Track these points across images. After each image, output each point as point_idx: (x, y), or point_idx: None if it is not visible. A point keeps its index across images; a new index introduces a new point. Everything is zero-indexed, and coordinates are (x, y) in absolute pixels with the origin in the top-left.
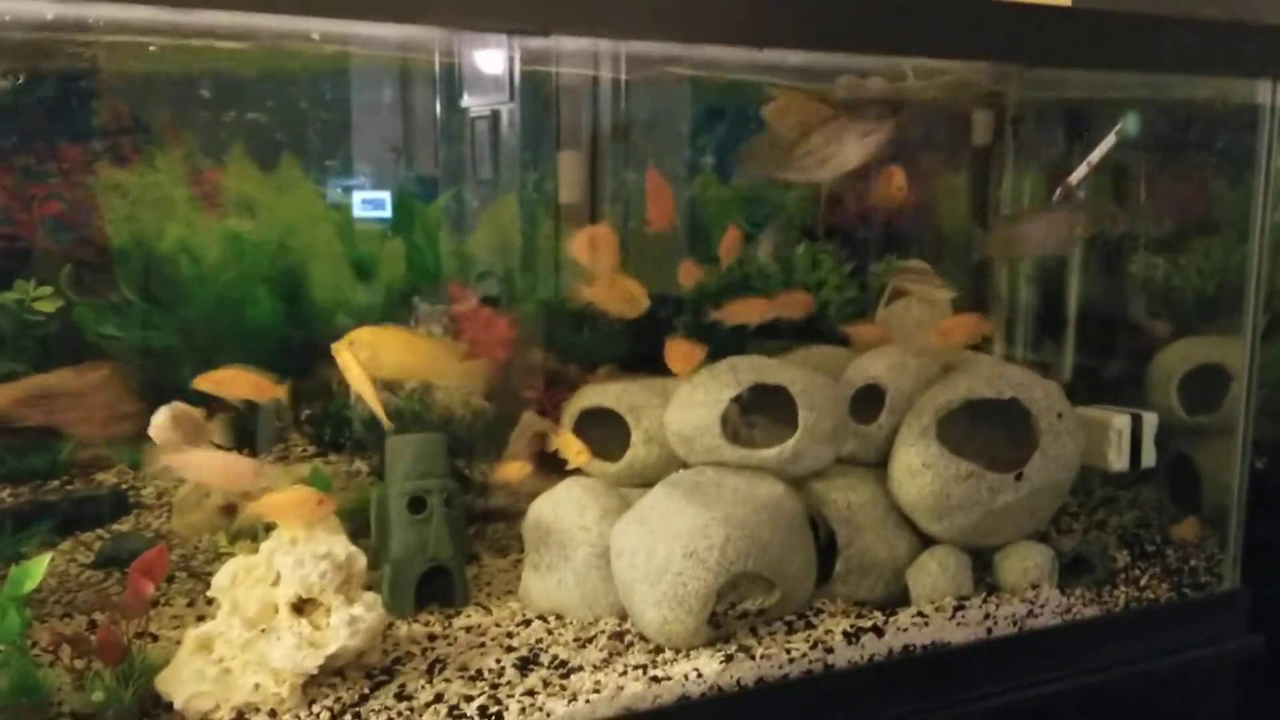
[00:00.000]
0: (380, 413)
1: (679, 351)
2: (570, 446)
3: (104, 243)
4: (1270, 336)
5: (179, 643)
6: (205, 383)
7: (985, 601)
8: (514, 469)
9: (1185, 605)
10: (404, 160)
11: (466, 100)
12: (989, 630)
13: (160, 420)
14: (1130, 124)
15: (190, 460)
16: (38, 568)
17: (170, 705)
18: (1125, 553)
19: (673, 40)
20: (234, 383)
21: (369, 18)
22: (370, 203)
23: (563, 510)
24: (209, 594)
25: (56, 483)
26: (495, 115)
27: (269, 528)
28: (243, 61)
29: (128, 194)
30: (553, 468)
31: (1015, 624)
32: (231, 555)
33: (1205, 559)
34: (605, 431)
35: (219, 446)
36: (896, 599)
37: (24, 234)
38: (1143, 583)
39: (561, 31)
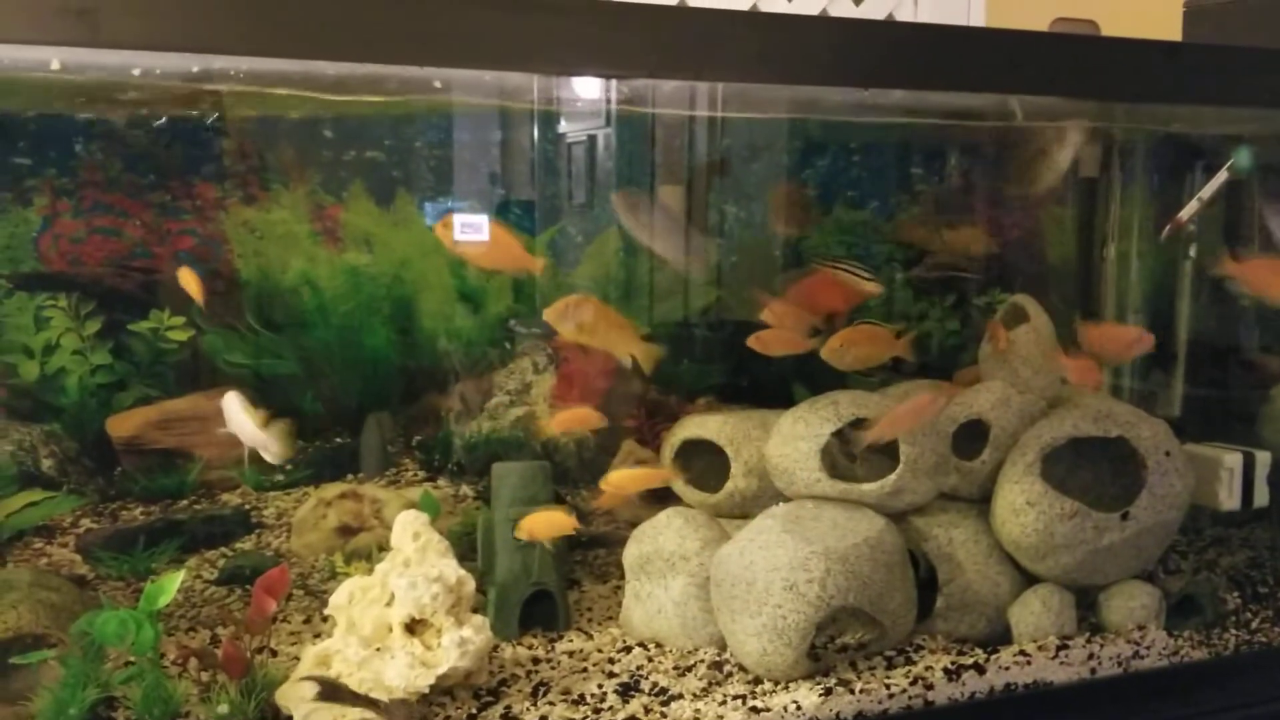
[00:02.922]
0: None
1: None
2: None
3: (232, 275)
4: None
5: (296, 658)
6: None
7: (1089, 641)
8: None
9: None
10: (502, 186)
11: (563, 126)
12: (1093, 670)
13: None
14: (1243, 158)
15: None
16: (171, 584)
17: (289, 719)
18: (1237, 594)
19: (777, 82)
20: None
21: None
22: (469, 226)
23: (663, 540)
24: (326, 612)
25: (184, 502)
26: (592, 140)
27: (383, 549)
28: (362, 105)
29: (255, 230)
30: (654, 497)
31: (1120, 665)
32: (346, 575)
33: None
34: (705, 463)
35: None
36: (998, 636)
37: (159, 267)
38: (1254, 625)
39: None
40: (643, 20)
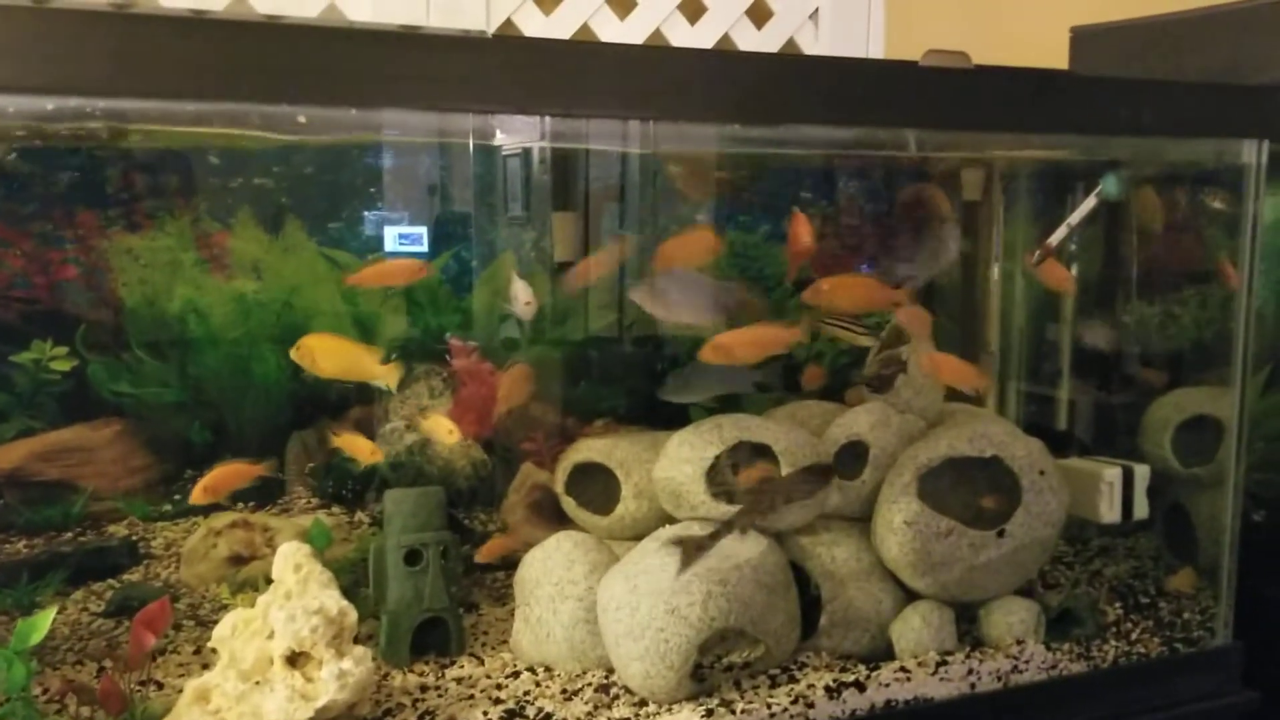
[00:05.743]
0: None
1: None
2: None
3: (117, 304)
4: (1271, 388)
5: (181, 690)
6: None
7: (969, 657)
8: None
9: (1176, 660)
10: (439, 199)
11: (499, 138)
12: (972, 685)
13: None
14: (1111, 184)
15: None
16: (43, 621)
17: None
18: (1118, 605)
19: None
20: None
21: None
22: (407, 237)
23: (552, 564)
24: (210, 645)
25: (70, 534)
26: (527, 153)
27: (269, 580)
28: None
29: (140, 258)
30: (553, 520)
31: (999, 679)
32: (235, 606)
33: (1199, 612)
34: (597, 486)
35: None
36: (881, 653)
37: (41, 297)
38: (1134, 637)
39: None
40: (506, 52)
